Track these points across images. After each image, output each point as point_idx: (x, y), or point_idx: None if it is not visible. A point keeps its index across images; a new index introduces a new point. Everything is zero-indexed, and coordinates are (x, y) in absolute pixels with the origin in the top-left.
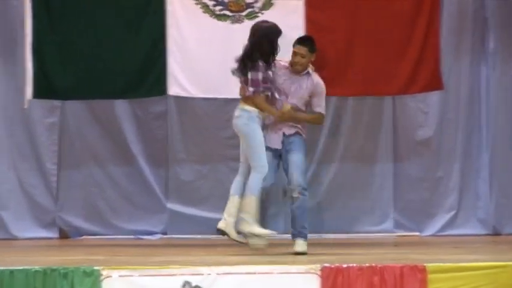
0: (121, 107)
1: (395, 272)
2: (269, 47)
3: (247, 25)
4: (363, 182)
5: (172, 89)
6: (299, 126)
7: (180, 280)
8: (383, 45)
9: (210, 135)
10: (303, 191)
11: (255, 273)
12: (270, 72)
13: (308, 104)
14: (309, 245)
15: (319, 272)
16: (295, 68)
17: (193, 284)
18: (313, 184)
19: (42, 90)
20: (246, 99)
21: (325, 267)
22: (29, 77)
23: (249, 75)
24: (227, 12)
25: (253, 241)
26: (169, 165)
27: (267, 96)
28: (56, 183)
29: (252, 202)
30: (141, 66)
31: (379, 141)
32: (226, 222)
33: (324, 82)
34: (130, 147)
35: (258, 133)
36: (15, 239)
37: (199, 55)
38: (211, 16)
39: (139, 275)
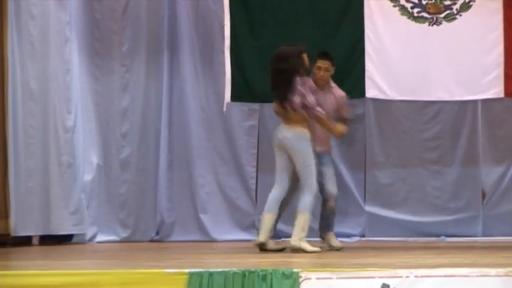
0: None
1: None
2: (298, 64)
3: (445, 27)
4: None
5: (370, 91)
6: (328, 144)
7: (378, 282)
8: None
9: (408, 138)
10: (336, 198)
11: (453, 275)
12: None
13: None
14: (508, 247)
15: None
16: (320, 83)
17: (392, 287)
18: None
19: (241, 93)
20: (299, 120)
21: None
22: (228, 80)
23: (309, 98)
24: (425, 15)
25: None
26: (367, 168)
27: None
28: (255, 185)
29: (306, 220)
30: (340, 70)
31: None
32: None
33: None
34: None
35: (313, 155)
36: (215, 241)
37: (397, 57)
38: (409, 18)
39: (338, 278)
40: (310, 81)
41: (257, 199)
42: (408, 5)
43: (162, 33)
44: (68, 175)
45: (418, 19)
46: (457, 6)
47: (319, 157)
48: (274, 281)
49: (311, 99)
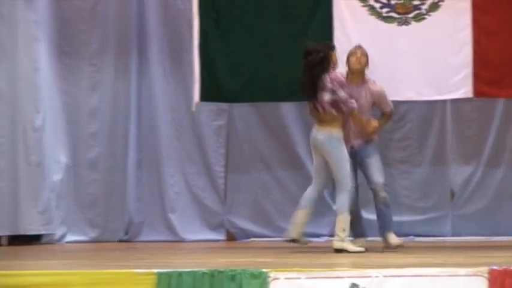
0: (288, 110)
1: None
2: (326, 61)
3: (414, 27)
4: None
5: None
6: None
7: (347, 282)
8: None
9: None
10: (387, 188)
11: (422, 275)
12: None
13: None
14: (477, 247)
15: (486, 275)
16: (357, 69)
17: (361, 286)
18: (480, 187)
19: (210, 93)
20: (330, 120)
21: (493, 269)
22: (197, 80)
23: (341, 93)
24: (394, 15)
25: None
26: None
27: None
28: (224, 185)
29: (345, 219)
30: None
31: None
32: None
33: (492, 84)
34: (297, 150)
35: (347, 156)
36: (184, 241)
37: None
38: (377, 18)
39: (306, 277)
40: (339, 77)
41: (226, 199)
42: (377, 5)
43: (130, 33)
44: (36, 175)
45: (387, 19)
46: (426, 6)
47: (361, 150)
48: (243, 281)
49: (342, 93)
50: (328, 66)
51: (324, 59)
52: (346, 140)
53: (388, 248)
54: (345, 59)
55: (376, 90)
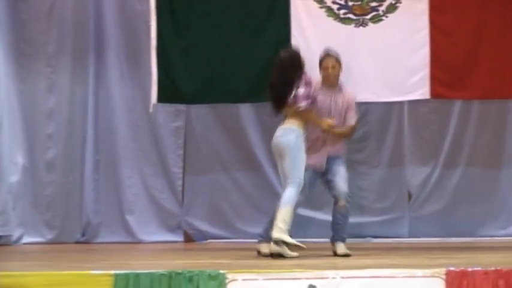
0: (245, 111)
1: None
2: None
3: (371, 29)
4: (488, 186)
5: None
6: (341, 147)
7: (305, 284)
8: (509, 48)
9: None
10: (348, 199)
11: (380, 276)
12: (311, 89)
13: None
14: (434, 248)
15: (444, 276)
16: (330, 81)
17: None
18: (437, 188)
19: (167, 94)
20: (292, 116)
21: (450, 270)
22: (154, 81)
23: (297, 92)
24: (351, 16)
25: (283, 250)
26: None
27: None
28: (182, 187)
29: (288, 212)
30: (265, 70)
31: (505, 144)
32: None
33: (449, 86)
34: (254, 152)
35: (304, 151)
36: (141, 242)
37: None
38: (335, 19)
39: (264, 279)
40: (307, 77)
41: (183, 200)
42: (334, 7)
43: (88, 34)
44: None
45: (344, 20)
46: (384, 7)
47: (329, 158)
48: (201, 282)
49: (305, 92)
50: (302, 66)
51: (295, 59)
52: (321, 149)
53: (335, 254)
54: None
55: (349, 96)
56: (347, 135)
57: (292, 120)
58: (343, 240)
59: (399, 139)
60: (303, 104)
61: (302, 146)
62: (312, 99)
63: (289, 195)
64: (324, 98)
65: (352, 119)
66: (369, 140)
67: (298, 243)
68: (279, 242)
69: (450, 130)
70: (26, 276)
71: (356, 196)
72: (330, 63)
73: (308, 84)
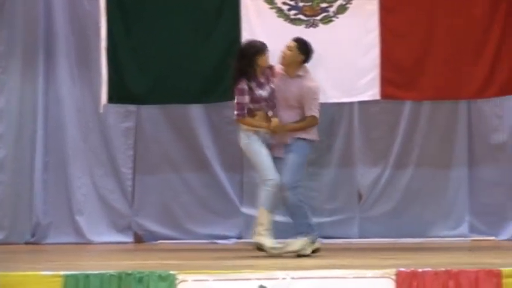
0: (196, 112)
1: (471, 277)
2: (247, 66)
3: (321, 30)
4: (438, 187)
5: None
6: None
7: (255, 284)
8: (458, 50)
9: None
10: (292, 189)
11: (330, 277)
12: (261, 91)
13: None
14: (384, 249)
15: (394, 277)
16: (284, 63)
17: None
18: (388, 189)
19: (117, 94)
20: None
21: (400, 271)
22: (104, 81)
23: (235, 99)
24: (302, 17)
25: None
26: (244, 169)
27: (266, 113)
28: (132, 187)
29: (262, 214)
30: (216, 71)
31: (454, 145)
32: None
33: (399, 86)
34: (205, 152)
35: (260, 149)
36: (91, 243)
37: (273, 59)
38: (285, 20)
39: (214, 280)
40: (277, 70)
41: (133, 201)
42: (285, 7)
43: (37, 34)
44: None
45: (294, 21)
46: (334, 8)
47: (286, 146)
48: (151, 283)
49: (240, 100)
50: (248, 70)
51: (247, 63)
52: (280, 139)
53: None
54: None
55: (307, 86)
56: (307, 127)
57: (241, 123)
58: (296, 236)
59: (349, 139)
60: (235, 113)
61: (256, 146)
62: (266, 99)
63: (262, 196)
64: (279, 85)
65: (310, 110)
66: (318, 140)
67: (275, 245)
68: (259, 246)
69: (400, 131)
70: None
71: (306, 197)
72: (288, 43)
73: (240, 92)
